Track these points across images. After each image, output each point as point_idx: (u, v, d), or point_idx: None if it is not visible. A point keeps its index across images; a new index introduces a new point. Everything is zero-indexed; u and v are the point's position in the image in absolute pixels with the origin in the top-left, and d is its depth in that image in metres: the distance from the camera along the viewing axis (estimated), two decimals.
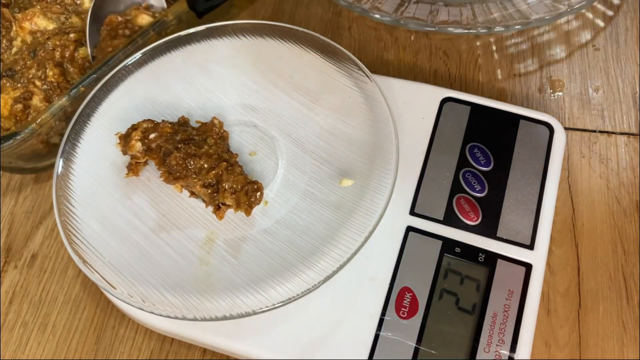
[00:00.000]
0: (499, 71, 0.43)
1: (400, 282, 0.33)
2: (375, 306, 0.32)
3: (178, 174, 0.34)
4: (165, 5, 0.43)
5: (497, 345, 0.31)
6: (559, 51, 0.43)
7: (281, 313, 0.32)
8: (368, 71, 0.37)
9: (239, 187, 0.33)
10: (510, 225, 0.34)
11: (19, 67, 0.40)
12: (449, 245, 0.34)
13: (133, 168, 0.35)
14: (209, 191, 0.33)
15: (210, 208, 0.34)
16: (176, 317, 0.30)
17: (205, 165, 0.34)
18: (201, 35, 0.40)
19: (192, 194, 0.34)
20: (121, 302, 0.32)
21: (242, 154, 0.36)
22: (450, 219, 0.34)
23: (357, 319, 0.32)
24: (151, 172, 0.36)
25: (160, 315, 0.30)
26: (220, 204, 0.33)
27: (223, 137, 0.36)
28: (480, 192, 0.35)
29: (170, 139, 0.34)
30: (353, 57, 0.37)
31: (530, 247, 0.33)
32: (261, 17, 0.48)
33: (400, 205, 0.35)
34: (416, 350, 0.31)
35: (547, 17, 0.38)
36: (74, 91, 0.37)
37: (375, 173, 0.34)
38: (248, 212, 0.32)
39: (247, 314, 0.30)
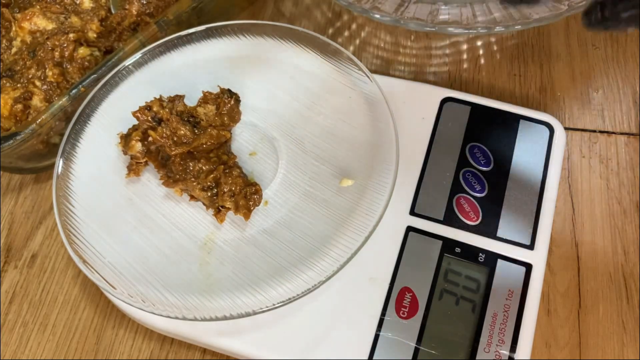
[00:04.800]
0: (499, 71, 0.43)
1: (400, 282, 0.33)
2: (375, 306, 0.32)
3: (177, 177, 0.34)
4: None
5: (497, 345, 0.31)
6: (559, 51, 0.43)
7: (281, 313, 0.32)
8: (368, 71, 0.37)
9: (238, 189, 0.33)
10: (510, 225, 0.34)
11: (18, 67, 0.40)
12: (449, 245, 0.34)
13: (134, 168, 0.35)
14: (209, 194, 0.33)
15: (211, 211, 0.34)
16: (176, 317, 0.30)
17: (204, 168, 0.34)
18: (201, 35, 0.40)
19: (192, 197, 0.34)
20: (121, 302, 0.32)
21: (242, 154, 0.36)
22: (450, 219, 0.34)
23: (357, 319, 0.32)
24: (152, 173, 0.36)
25: (161, 315, 0.30)
26: (220, 207, 0.33)
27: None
28: (480, 192, 0.35)
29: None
30: (353, 57, 0.37)
31: (530, 247, 0.33)
32: (261, 17, 0.48)
33: (400, 205, 0.35)
34: (416, 350, 0.31)
35: (547, 17, 0.38)
36: (74, 91, 0.37)
37: (375, 173, 0.34)
38: (247, 216, 0.32)
39: (247, 314, 0.30)
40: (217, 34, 0.40)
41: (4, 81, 0.40)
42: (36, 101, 0.39)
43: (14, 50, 0.42)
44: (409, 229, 0.34)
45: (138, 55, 0.39)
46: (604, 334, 0.33)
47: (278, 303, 0.30)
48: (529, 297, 0.32)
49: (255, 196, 0.33)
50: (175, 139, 0.34)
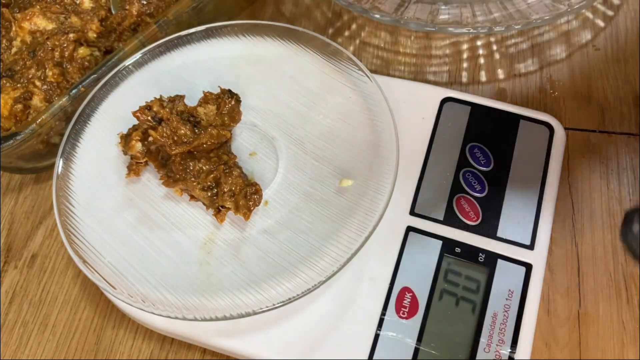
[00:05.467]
0: (499, 71, 0.43)
1: (400, 282, 0.33)
2: (375, 306, 0.32)
3: (177, 177, 0.34)
4: None
5: (497, 345, 0.31)
6: (559, 51, 0.43)
7: (281, 313, 0.32)
8: (368, 71, 0.37)
9: (238, 189, 0.33)
10: (510, 225, 0.34)
11: (18, 67, 0.40)
12: (449, 245, 0.34)
13: (134, 168, 0.35)
14: (209, 194, 0.33)
15: (211, 211, 0.34)
16: (176, 317, 0.30)
17: (204, 168, 0.34)
18: (201, 35, 0.40)
19: (192, 197, 0.34)
20: (121, 302, 0.32)
21: (242, 154, 0.36)
22: (450, 219, 0.34)
23: (357, 319, 0.32)
24: (152, 173, 0.36)
25: (161, 315, 0.30)
26: (220, 207, 0.33)
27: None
28: (480, 192, 0.35)
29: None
30: (353, 57, 0.37)
31: (530, 247, 0.33)
32: (261, 17, 0.47)
33: (400, 205, 0.35)
34: (416, 350, 0.31)
35: (547, 17, 0.38)
36: (74, 91, 0.37)
37: (375, 173, 0.34)
38: (247, 216, 0.32)
39: (247, 314, 0.30)
40: (217, 34, 0.40)
41: (4, 81, 0.40)
42: (36, 101, 0.39)
43: (14, 50, 0.42)
44: (409, 229, 0.34)
45: (138, 55, 0.39)
46: (604, 334, 0.33)
47: (278, 303, 0.30)
48: (529, 297, 0.32)
49: (255, 196, 0.33)
50: (175, 138, 0.34)
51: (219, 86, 0.37)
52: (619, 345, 0.33)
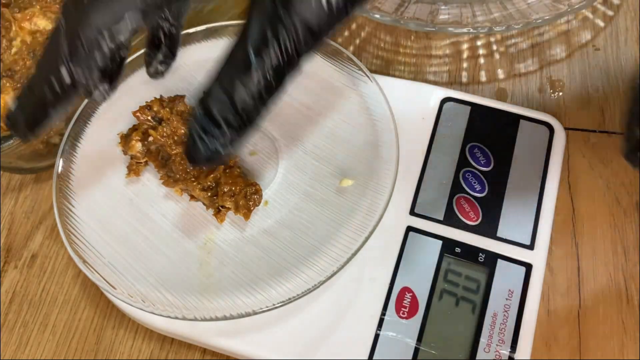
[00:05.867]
0: (499, 71, 0.42)
1: (400, 282, 0.33)
2: (375, 306, 0.32)
3: (177, 177, 0.34)
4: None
5: (497, 345, 0.31)
6: (559, 51, 0.43)
7: (281, 313, 0.32)
8: (368, 71, 0.37)
9: (238, 189, 0.33)
10: (510, 225, 0.34)
11: (18, 67, 0.40)
12: (449, 245, 0.34)
13: (134, 168, 0.35)
14: (209, 194, 0.33)
15: (211, 211, 0.34)
16: (176, 317, 0.30)
17: (204, 168, 0.34)
18: (201, 35, 0.40)
19: (192, 197, 0.34)
20: (121, 302, 0.32)
21: (242, 154, 0.36)
22: (450, 219, 0.34)
23: (357, 319, 0.32)
24: (152, 173, 0.36)
25: (161, 315, 0.30)
26: (220, 207, 0.33)
27: None
28: (480, 192, 0.35)
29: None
30: (353, 57, 0.37)
31: (530, 247, 0.33)
32: None
33: (400, 205, 0.35)
34: (416, 350, 0.31)
35: (547, 17, 0.38)
36: None
37: (375, 173, 0.34)
38: (247, 216, 0.32)
39: (247, 314, 0.30)
40: (217, 34, 0.40)
41: (4, 81, 0.40)
42: None
43: (14, 50, 0.42)
44: (409, 229, 0.34)
45: (138, 55, 0.39)
46: (604, 334, 0.33)
47: (278, 303, 0.30)
48: (529, 297, 0.32)
49: (255, 196, 0.33)
50: (175, 138, 0.34)
51: None
52: (619, 345, 0.33)
